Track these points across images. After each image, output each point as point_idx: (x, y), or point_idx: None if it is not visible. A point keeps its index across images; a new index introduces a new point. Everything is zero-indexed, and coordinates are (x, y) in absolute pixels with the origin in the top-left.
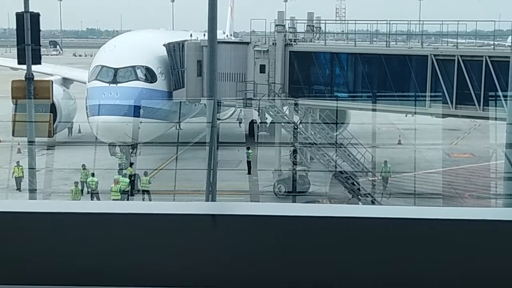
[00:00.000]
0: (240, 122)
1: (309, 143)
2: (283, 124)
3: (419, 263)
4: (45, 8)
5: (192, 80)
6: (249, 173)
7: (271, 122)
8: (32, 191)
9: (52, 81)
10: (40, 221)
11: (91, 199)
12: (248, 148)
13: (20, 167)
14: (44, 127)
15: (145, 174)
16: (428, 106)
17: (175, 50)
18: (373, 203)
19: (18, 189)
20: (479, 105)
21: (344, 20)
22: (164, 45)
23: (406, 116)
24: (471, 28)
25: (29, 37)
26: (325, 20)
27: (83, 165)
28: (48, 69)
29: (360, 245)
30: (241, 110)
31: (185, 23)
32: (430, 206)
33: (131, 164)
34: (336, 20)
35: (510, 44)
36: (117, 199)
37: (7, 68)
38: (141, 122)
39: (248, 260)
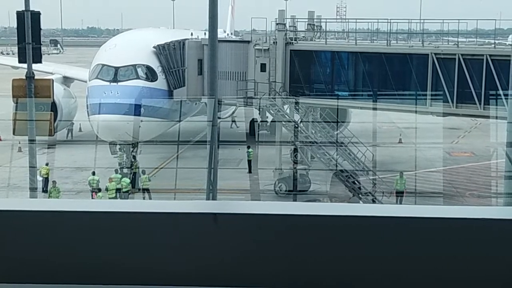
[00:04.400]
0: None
1: (310, 142)
2: (283, 123)
3: (419, 261)
4: (45, 6)
5: (193, 79)
6: (249, 172)
7: (271, 121)
8: (33, 189)
9: (52, 80)
10: (40, 220)
11: (92, 198)
12: (248, 147)
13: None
14: (45, 125)
15: (144, 172)
16: (428, 105)
17: (165, 50)
18: (374, 201)
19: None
20: (480, 104)
21: (345, 19)
22: (154, 47)
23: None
24: (472, 26)
25: (29, 36)
26: (326, 18)
27: (54, 182)
28: (48, 67)
29: (361, 243)
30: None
31: (186, 21)
32: (431, 205)
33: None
34: (336, 19)
35: (511, 42)
36: (113, 197)
37: (8, 66)
38: (141, 121)
39: (249, 258)
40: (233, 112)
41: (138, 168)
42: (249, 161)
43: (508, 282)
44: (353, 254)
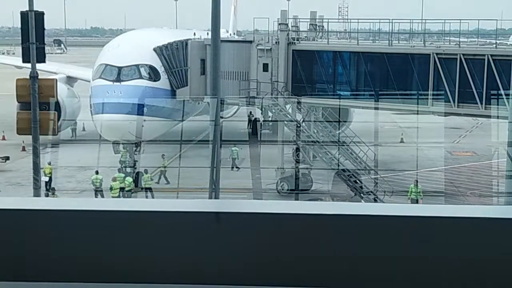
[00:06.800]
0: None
1: (312, 141)
2: (286, 122)
3: (420, 261)
4: (49, 6)
5: (196, 78)
6: (235, 168)
7: (274, 120)
8: (36, 188)
9: (56, 80)
10: (43, 219)
11: (95, 197)
12: (234, 145)
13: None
14: (49, 125)
15: (146, 171)
16: (430, 104)
17: (168, 50)
18: (375, 201)
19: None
20: (481, 103)
21: (347, 19)
22: (157, 47)
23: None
24: (473, 26)
25: (33, 36)
26: (328, 19)
27: (53, 189)
28: (52, 67)
29: (363, 243)
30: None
31: (188, 22)
32: (432, 204)
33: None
34: (338, 19)
35: None
36: (115, 197)
37: (12, 66)
38: (144, 120)
39: (251, 257)
40: (248, 113)
41: (165, 167)
42: (233, 160)
43: (509, 282)
44: (355, 253)
